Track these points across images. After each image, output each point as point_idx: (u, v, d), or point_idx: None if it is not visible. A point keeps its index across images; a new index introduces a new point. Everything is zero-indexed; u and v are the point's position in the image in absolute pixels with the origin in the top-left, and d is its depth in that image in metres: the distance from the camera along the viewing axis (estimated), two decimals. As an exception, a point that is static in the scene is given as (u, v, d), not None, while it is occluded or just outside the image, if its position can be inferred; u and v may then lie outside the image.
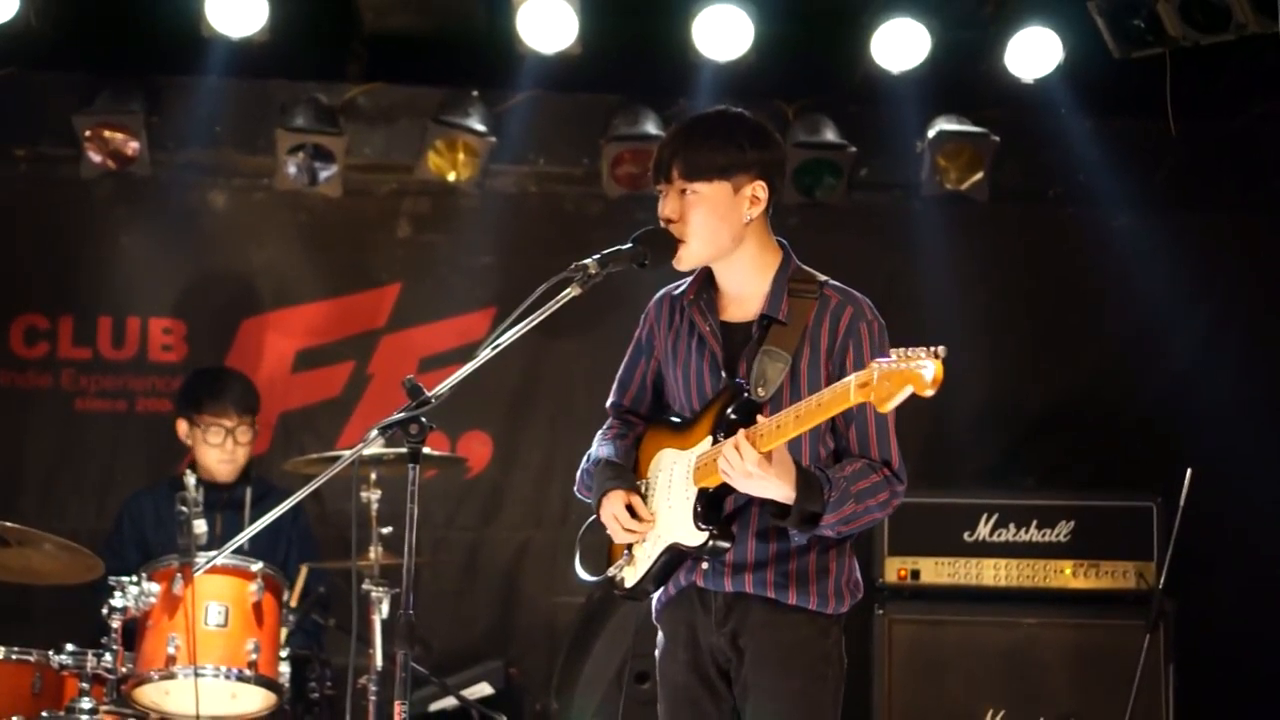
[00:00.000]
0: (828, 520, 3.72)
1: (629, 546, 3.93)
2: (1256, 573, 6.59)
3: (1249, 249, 6.89)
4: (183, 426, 6.11)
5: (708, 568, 3.87)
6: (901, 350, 3.40)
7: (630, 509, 3.88)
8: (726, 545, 3.80)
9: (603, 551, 4.05)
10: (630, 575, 3.93)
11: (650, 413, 4.10)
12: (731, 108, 3.98)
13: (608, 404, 4.17)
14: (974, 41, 6.67)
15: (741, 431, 3.64)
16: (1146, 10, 6.09)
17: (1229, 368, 6.83)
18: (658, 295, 4.09)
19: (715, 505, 3.81)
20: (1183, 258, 6.90)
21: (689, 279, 4.00)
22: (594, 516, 4.02)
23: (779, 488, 3.67)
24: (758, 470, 3.62)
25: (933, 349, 3.36)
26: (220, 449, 6.01)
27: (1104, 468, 6.94)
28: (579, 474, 4.08)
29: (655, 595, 3.97)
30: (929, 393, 3.34)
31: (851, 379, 3.46)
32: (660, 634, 4.02)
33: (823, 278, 3.92)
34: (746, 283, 3.92)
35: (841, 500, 3.72)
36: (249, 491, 6.04)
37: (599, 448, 4.06)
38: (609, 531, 3.94)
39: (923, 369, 3.34)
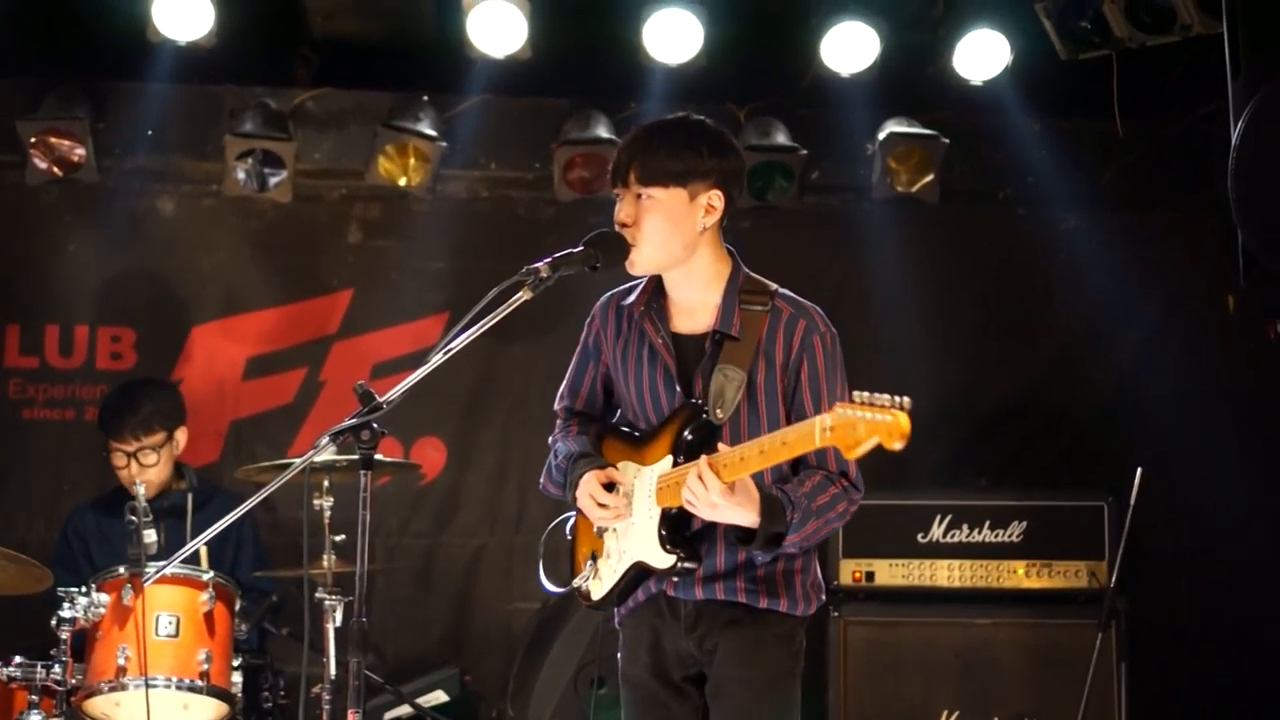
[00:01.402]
0: (791, 540, 3.74)
1: (593, 557, 3.94)
2: (1208, 570, 6.64)
3: (1195, 248, 6.94)
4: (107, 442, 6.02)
5: (679, 579, 3.88)
6: (868, 395, 3.35)
7: (608, 487, 3.87)
8: (694, 566, 3.82)
9: (564, 558, 4.05)
10: (596, 589, 3.94)
11: (602, 413, 4.11)
12: (693, 115, 3.98)
13: (557, 407, 4.17)
14: (923, 44, 6.70)
15: (704, 459, 3.65)
16: (1093, 12, 6.13)
17: (1176, 366, 6.88)
18: (602, 300, 4.08)
19: (680, 526, 3.83)
20: (1130, 257, 6.96)
21: (637, 287, 4.00)
22: (554, 523, 4.02)
23: (743, 515, 3.68)
24: (722, 500, 3.63)
25: (898, 399, 3.32)
26: (125, 471, 5.87)
27: (1055, 465, 6.97)
28: (545, 470, 4.08)
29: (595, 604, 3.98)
30: (897, 446, 3.30)
31: (816, 422, 3.43)
32: (622, 637, 4.03)
33: (774, 287, 3.93)
34: (697, 293, 3.92)
35: (804, 520, 3.74)
36: (190, 498, 5.95)
37: (564, 444, 4.06)
38: (586, 513, 3.93)
39: (886, 420, 3.30)
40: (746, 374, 3.80)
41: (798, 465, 3.85)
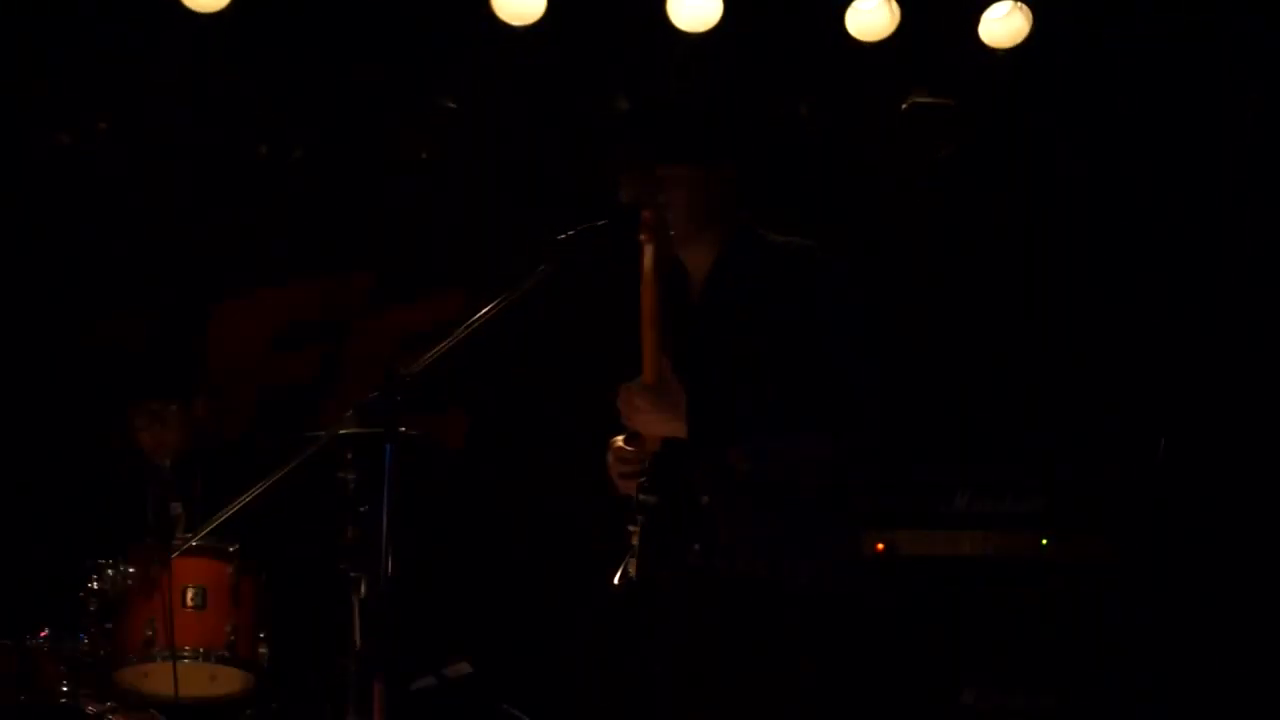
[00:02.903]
0: (736, 457, 3.73)
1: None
2: (1233, 539, 6.62)
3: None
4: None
5: (699, 548, 3.87)
6: None
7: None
8: (650, 499, 3.80)
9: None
10: (633, 565, 3.94)
11: None
12: (703, 90, 4.01)
13: None
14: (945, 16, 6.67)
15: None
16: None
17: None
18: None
19: (661, 467, 3.82)
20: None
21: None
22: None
23: (668, 420, 3.71)
24: (641, 400, 3.67)
25: None
26: (145, 434, 5.85)
27: (1079, 437, 6.95)
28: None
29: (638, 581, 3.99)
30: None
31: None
32: (649, 614, 4.03)
33: (781, 238, 3.95)
34: (706, 259, 3.94)
35: (764, 457, 3.74)
36: (200, 472, 5.96)
37: None
38: (613, 478, 3.95)
39: None
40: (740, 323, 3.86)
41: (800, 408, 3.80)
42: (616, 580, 3.98)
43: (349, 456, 5.37)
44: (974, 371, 7.07)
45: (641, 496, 3.80)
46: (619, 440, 3.91)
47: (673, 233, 3.83)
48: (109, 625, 5.27)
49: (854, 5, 6.45)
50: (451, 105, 6.70)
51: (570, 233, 3.75)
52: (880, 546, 6.20)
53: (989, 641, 6.10)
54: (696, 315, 3.91)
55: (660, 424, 3.72)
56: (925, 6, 6.53)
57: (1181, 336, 6.88)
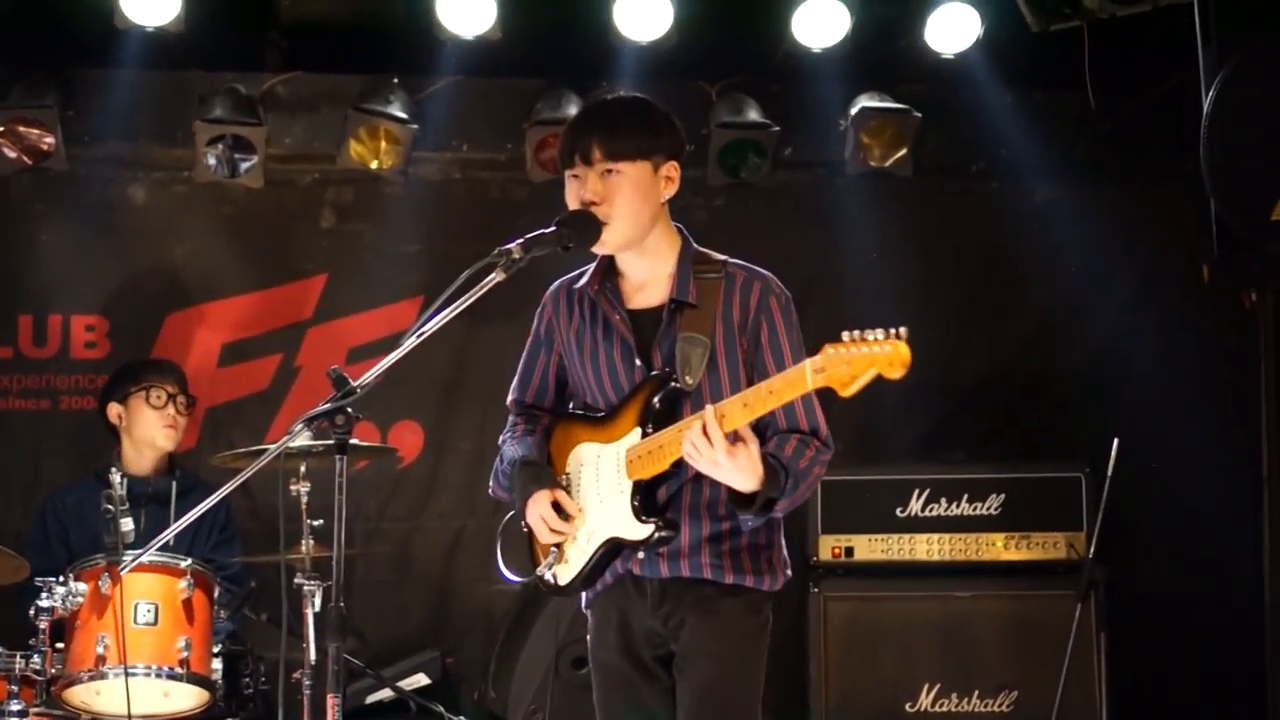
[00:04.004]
0: (781, 505, 3.74)
1: (555, 544, 3.92)
2: (1185, 539, 6.67)
3: (1169, 219, 6.94)
4: (114, 410, 6.05)
5: (644, 556, 3.86)
6: (857, 333, 3.38)
7: (557, 508, 3.86)
8: (671, 534, 3.80)
9: (524, 547, 4.02)
10: (564, 572, 3.92)
11: (554, 406, 4.08)
12: (635, 94, 4.02)
13: (509, 400, 4.14)
14: (894, 17, 6.69)
15: (709, 408, 3.62)
16: (1063, -17, 6.14)
17: (1152, 336, 6.89)
18: (552, 288, 4.06)
19: (651, 495, 3.81)
20: (1105, 228, 6.97)
21: (586, 271, 3.99)
22: (510, 514, 4.00)
23: (743, 478, 3.65)
24: (725, 457, 3.60)
25: (893, 330, 3.35)
26: (163, 412, 6.00)
27: (1032, 438, 6.98)
28: (493, 473, 4.07)
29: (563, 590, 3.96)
30: (897, 375, 3.33)
31: (807, 364, 3.45)
32: (590, 620, 4.02)
33: (721, 257, 3.93)
34: (651, 267, 3.91)
35: (795, 485, 3.74)
36: (174, 485, 5.99)
37: (509, 447, 4.04)
38: (536, 533, 3.92)
39: (885, 351, 3.33)
40: (708, 338, 3.80)
41: (765, 428, 3.82)
42: (531, 577, 3.96)
43: (301, 469, 5.37)
44: (928, 376, 7.08)
45: (661, 535, 3.75)
46: (549, 499, 3.87)
47: (614, 235, 3.81)
48: (60, 644, 5.22)
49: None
50: (402, 116, 6.67)
51: (519, 240, 3.73)
52: (836, 550, 6.20)
53: (944, 644, 6.11)
54: (650, 324, 3.87)
55: (733, 476, 3.65)
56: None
57: (1135, 336, 6.93)
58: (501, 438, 4.10)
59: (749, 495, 3.69)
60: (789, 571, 3.96)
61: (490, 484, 4.08)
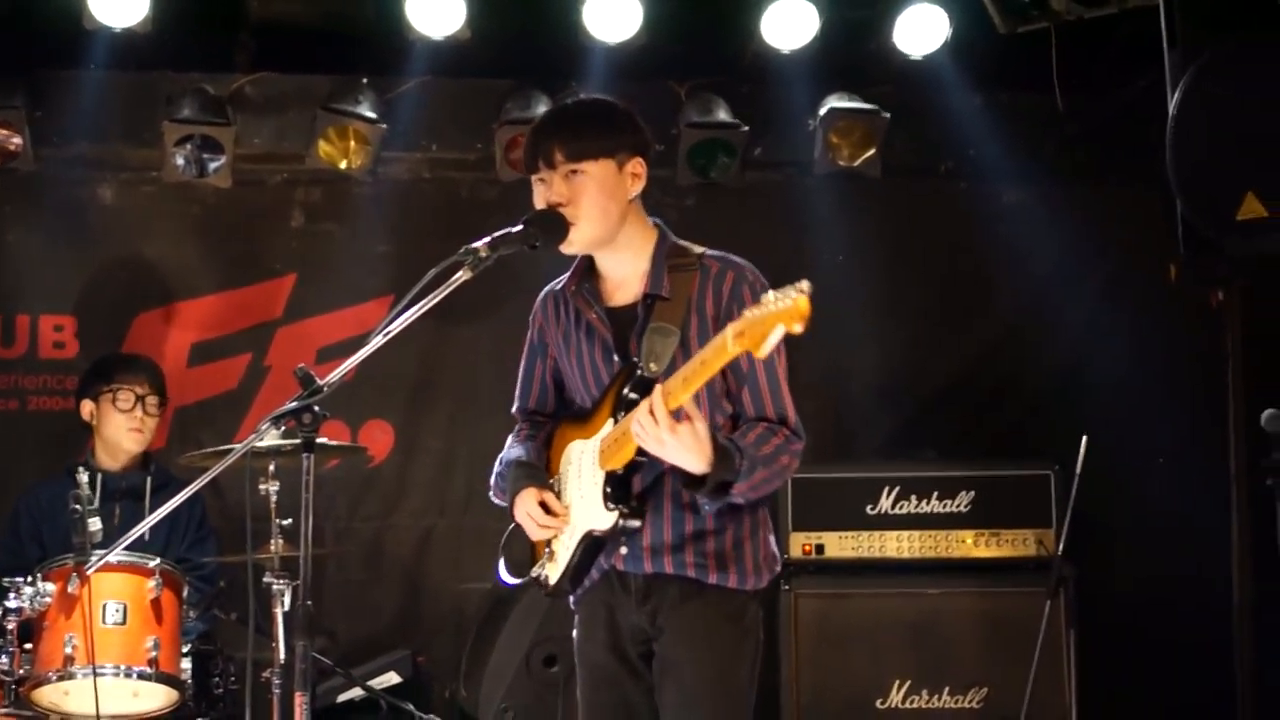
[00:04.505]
0: (739, 489, 3.73)
1: (549, 544, 3.94)
2: (1152, 536, 6.70)
3: (1137, 219, 6.97)
4: (87, 407, 6.02)
5: (626, 551, 3.88)
6: (770, 293, 3.40)
7: (544, 506, 3.88)
8: (636, 524, 3.81)
9: (525, 551, 4.04)
10: (553, 572, 3.93)
11: (557, 410, 4.10)
12: (593, 95, 4.03)
13: (513, 410, 4.17)
14: (862, 19, 6.71)
15: (658, 388, 3.62)
16: (1030, -15, 6.16)
17: (1121, 336, 6.93)
18: (541, 294, 4.09)
19: (623, 485, 3.82)
20: (1073, 229, 7.00)
21: (569, 273, 4.00)
22: (513, 523, 4.02)
23: (692, 458, 3.65)
24: (670, 436, 3.60)
25: (796, 284, 3.37)
26: (130, 415, 5.95)
27: (1002, 437, 7.01)
28: (493, 478, 4.08)
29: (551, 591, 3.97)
30: (798, 328, 3.34)
31: (728, 330, 3.45)
32: (577, 617, 4.03)
33: (699, 249, 3.95)
34: (627, 264, 3.93)
35: (751, 468, 3.73)
36: (149, 480, 5.98)
37: (509, 450, 4.06)
38: (526, 530, 3.94)
39: (786, 305, 3.35)
40: (679, 328, 3.81)
41: (737, 420, 3.86)
42: (526, 578, 3.98)
43: (270, 468, 5.37)
44: (899, 374, 7.11)
45: (625, 523, 3.77)
46: (536, 499, 3.88)
47: (582, 234, 3.82)
48: (28, 644, 5.21)
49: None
50: (371, 116, 6.67)
51: (486, 239, 3.74)
52: (807, 548, 6.22)
53: (914, 641, 6.13)
54: (628, 319, 3.89)
55: (680, 455, 3.65)
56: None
57: (1104, 336, 6.97)
58: (507, 443, 4.11)
59: (700, 476, 3.70)
60: (777, 569, 3.96)
61: (490, 488, 4.08)
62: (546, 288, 4.08)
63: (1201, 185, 5.46)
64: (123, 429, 5.97)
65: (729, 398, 3.87)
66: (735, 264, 3.92)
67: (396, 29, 6.44)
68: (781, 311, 3.34)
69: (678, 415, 3.61)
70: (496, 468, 4.06)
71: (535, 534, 3.92)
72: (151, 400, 6.03)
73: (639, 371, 3.79)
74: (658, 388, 3.62)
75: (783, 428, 3.83)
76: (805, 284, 3.37)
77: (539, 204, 3.87)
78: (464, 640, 6.49)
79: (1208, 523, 6.25)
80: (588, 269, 3.98)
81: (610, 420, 3.81)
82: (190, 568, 5.60)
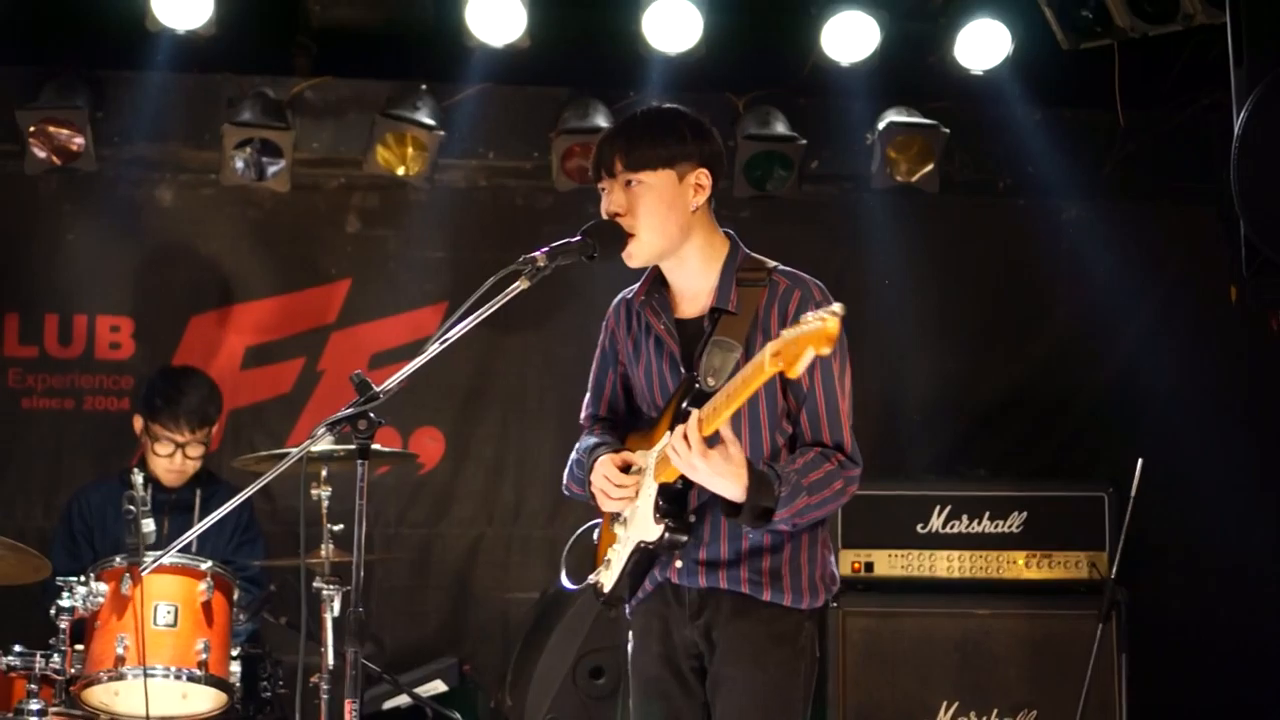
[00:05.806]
0: (781, 515, 3.71)
1: (606, 552, 3.93)
2: (1207, 561, 6.64)
3: (1196, 239, 6.93)
4: (138, 423, 6.05)
5: (681, 565, 3.87)
6: (808, 313, 3.39)
7: (624, 468, 3.85)
8: (683, 538, 3.80)
9: (588, 560, 4.04)
10: (607, 580, 3.93)
11: (627, 416, 4.10)
12: (667, 104, 4.00)
13: (583, 417, 4.16)
14: (923, 33, 6.69)
15: (695, 412, 3.62)
16: (1095, 2, 6.11)
17: (1177, 357, 6.87)
18: (614, 302, 4.09)
19: (675, 499, 3.80)
20: (1131, 247, 6.96)
21: (640, 281, 3.99)
22: (582, 528, 4.00)
23: (731, 482, 3.65)
24: (701, 461, 3.60)
25: (829, 306, 3.37)
26: (169, 460, 5.94)
27: (1056, 457, 6.97)
28: (567, 470, 4.07)
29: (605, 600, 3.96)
30: (825, 350, 3.33)
31: (767, 348, 3.43)
32: (632, 628, 4.02)
33: (772, 264, 3.93)
34: (696, 277, 3.92)
35: (793, 495, 3.71)
36: (198, 493, 5.98)
37: (584, 440, 4.05)
38: (599, 500, 3.92)
39: (816, 327, 3.33)
40: (742, 344, 3.79)
41: (793, 443, 3.83)
42: (583, 585, 3.98)
43: (322, 473, 5.38)
44: (950, 392, 7.07)
45: (672, 537, 3.77)
46: (616, 462, 3.90)
47: (641, 245, 3.81)
48: (80, 644, 5.23)
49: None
50: (429, 123, 6.68)
51: (544, 249, 3.73)
52: (856, 566, 6.18)
53: (962, 662, 6.08)
54: (695, 332, 3.87)
55: (712, 480, 3.65)
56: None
57: (1159, 355, 6.90)
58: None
59: (738, 505, 3.68)
60: (834, 589, 3.94)
61: (564, 481, 4.08)
62: (619, 295, 4.08)
63: (1265, 205, 5.39)
64: (161, 468, 5.96)
65: (789, 418, 3.85)
66: (804, 282, 3.89)
67: (456, 36, 6.45)
68: (812, 333, 3.33)
69: (713, 440, 3.59)
70: (572, 457, 4.05)
71: (607, 505, 3.89)
72: (193, 445, 5.95)
73: (696, 385, 3.78)
74: (694, 413, 3.61)
75: (837, 453, 3.80)
76: (838, 306, 3.37)
77: (603, 213, 3.86)
78: (510, 649, 6.48)
79: (1261, 546, 6.20)
80: (658, 279, 3.97)
81: (668, 433, 3.79)
82: (236, 569, 5.61)
